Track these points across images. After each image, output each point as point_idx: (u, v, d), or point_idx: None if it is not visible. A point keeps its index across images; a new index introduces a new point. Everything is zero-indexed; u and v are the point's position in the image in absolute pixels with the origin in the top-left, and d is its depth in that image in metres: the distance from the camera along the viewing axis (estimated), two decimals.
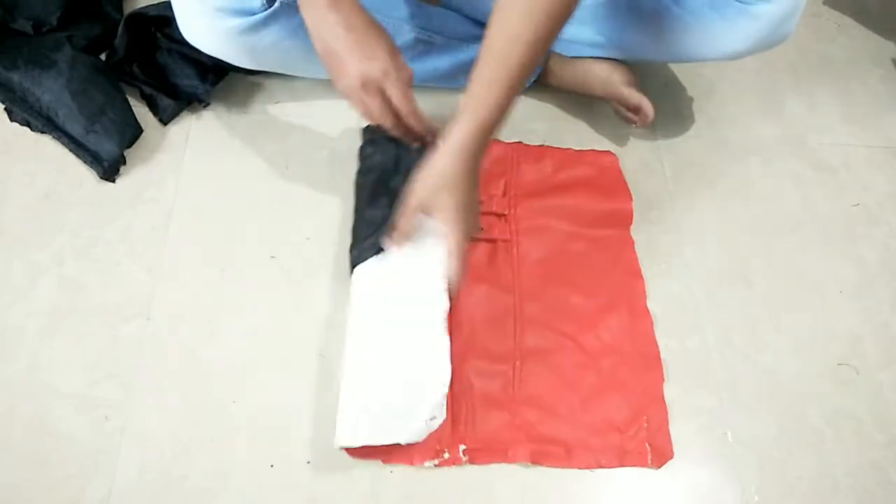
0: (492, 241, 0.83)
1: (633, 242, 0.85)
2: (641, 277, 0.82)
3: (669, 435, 0.72)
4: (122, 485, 0.66)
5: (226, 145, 0.89)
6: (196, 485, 0.66)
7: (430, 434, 0.68)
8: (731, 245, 0.87)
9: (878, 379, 0.78)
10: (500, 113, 0.66)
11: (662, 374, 0.76)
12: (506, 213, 0.85)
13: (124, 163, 0.85)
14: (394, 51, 0.68)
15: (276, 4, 0.75)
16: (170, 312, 0.76)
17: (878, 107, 1.05)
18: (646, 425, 0.72)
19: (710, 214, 0.89)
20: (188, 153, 0.88)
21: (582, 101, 0.97)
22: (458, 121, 0.66)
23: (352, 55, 0.65)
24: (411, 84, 0.69)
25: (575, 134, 0.95)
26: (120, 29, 0.89)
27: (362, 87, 0.67)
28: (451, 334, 0.73)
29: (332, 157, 0.89)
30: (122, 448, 0.67)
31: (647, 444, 0.71)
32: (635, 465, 0.71)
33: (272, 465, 0.68)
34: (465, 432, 0.71)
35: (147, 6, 0.92)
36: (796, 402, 0.76)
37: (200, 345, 0.74)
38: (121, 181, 0.85)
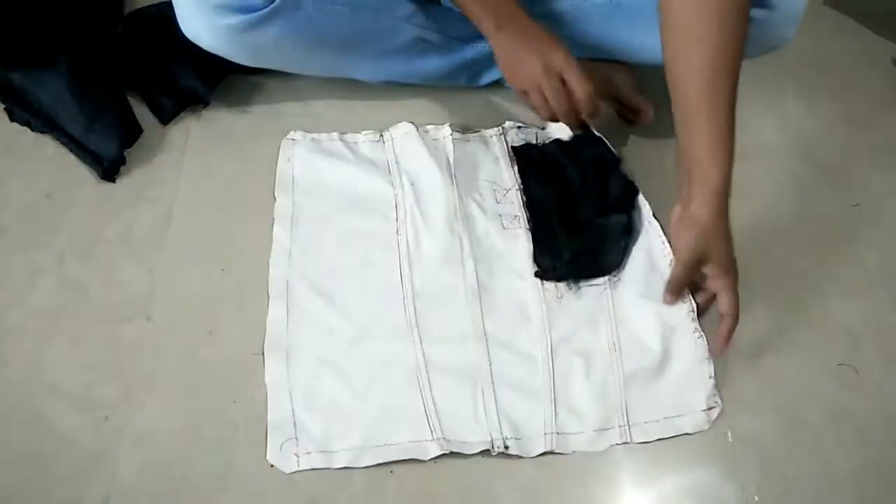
0: None
1: None
2: None
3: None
4: (122, 485, 0.66)
5: (226, 145, 0.89)
6: (196, 485, 0.66)
7: None
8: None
9: (877, 379, 0.78)
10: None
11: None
12: None
13: (124, 163, 0.85)
14: (567, 47, 0.74)
15: (277, 1, 0.75)
16: (170, 312, 0.76)
17: (878, 107, 1.05)
18: None
19: None
20: (188, 153, 0.88)
21: None
22: (702, 169, 0.71)
23: (533, 51, 0.74)
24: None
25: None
26: (120, 29, 0.89)
27: (545, 72, 0.73)
28: None
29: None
30: (122, 448, 0.67)
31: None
32: None
33: (272, 465, 0.68)
34: None
35: (148, 6, 0.92)
36: (796, 402, 0.76)
37: (200, 345, 0.74)
38: (121, 181, 0.85)
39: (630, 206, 0.83)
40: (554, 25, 0.86)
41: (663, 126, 0.96)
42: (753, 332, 0.80)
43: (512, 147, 0.87)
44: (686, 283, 0.75)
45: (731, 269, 0.73)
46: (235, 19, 0.76)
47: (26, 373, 0.71)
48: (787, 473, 0.72)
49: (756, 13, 0.77)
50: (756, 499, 0.70)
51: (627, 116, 0.92)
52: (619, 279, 0.79)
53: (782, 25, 0.79)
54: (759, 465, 0.72)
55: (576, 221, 0.82)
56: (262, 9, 0.76)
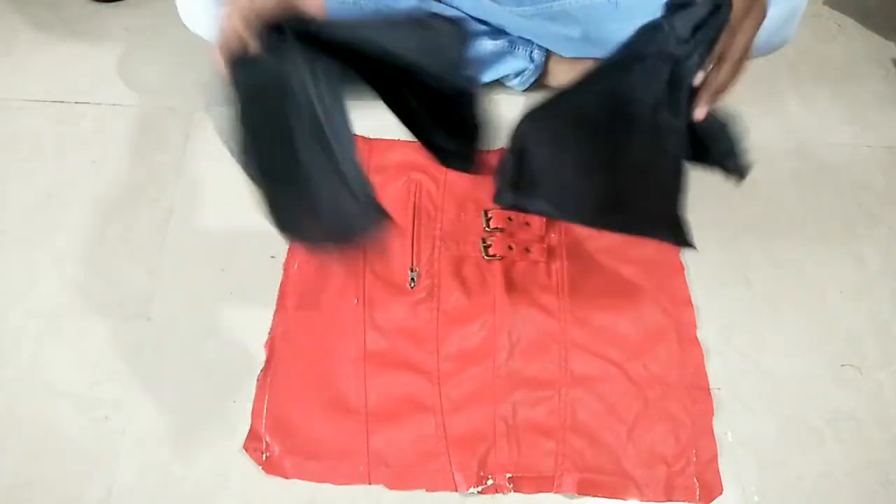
0: (536, 262, 0.81)
1: (682, 268, 0.83)
2: (691, 305, 0.80)
3: (718, 470, 0.70)
4: (122, 485, 0.66)
5: (226, 145, 0.89)
6: (196, 485, 0.66)
7: (475, 459, 0.68)
8: (731, 245, 0.87)
9: (878, 379, 0.78)
10: None
11: (712, 408, 0.73)
12: (552, 234, 0.83)
13: None
14: None
15: None
16: (170, 312, 0.76)
17: (878, 107, 1.05)
18: (694, 459, 0.70)
19: (710, 214, 0.89)
20: (188, 153, 0.88)
21: None
22: None
23: None
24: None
25: None
26: None
27: None
28: (493, 358, 0.74)
29: None
30: (122, 448, 0.67)
31: (695, 479, 0.69)
32: (682, 501, 0.68)
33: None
34: (510, 459, 0.69)
35: None
36: (796, 402, 0.76)
37: (200, 345, 0.74)
38: (121, 181, 0.85)
39: None
40: (553, 25, 0.86)
41: None
42: (754, 332, 0.80)
43: None
44: None
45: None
46: None
47: (26, 373, 0.71)
48: (787, 473, 0.72)
49: None
50: (756, 499, 0.70)
51: None
52: None
53: (782, 25, 0.79)
54: (759, 465, 0.72)
55: None
56: None
